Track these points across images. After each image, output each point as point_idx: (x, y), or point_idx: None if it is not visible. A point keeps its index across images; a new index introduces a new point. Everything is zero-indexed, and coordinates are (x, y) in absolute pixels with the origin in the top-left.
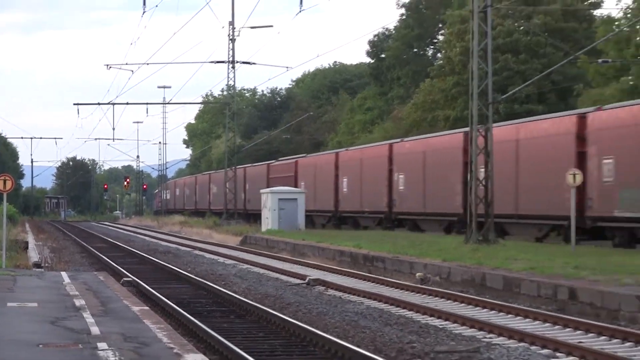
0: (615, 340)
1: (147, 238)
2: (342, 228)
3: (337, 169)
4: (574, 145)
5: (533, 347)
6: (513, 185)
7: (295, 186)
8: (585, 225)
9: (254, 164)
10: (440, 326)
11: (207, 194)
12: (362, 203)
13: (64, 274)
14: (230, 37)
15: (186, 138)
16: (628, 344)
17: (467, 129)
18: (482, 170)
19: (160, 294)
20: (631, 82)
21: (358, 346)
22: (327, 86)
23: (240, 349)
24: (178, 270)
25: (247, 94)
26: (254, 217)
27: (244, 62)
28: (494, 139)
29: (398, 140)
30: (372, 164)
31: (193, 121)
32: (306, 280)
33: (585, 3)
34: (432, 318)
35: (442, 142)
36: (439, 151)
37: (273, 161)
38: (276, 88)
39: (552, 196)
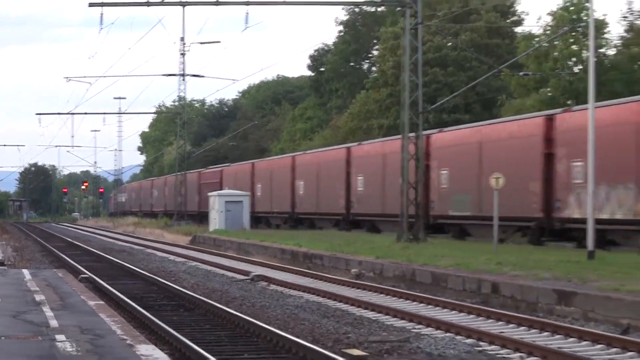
0: (533, 330)
1: (103, 238)
2: (298, 229)
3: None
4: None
5: (458, 337)
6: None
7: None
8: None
9: (190, 171)
10: (374, 318)
11: (161, 196)
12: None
13: (25, 271)
14: (181, 52)
15: (140, 145)
16: (545, 333)
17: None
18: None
19: (115, 290)
20: (549, 94)
21: (297, 337)
22: (271, 97)
23: (189, 339)
24: (132, 267)
25: (196, 105)
26: (194, 217)
27: (193, 75)
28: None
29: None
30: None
31: (147, 129)
32: (250, 276)
33: (508, 21)
34: (366, 311)
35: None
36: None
37: (203, 169)
38: (224, 99)
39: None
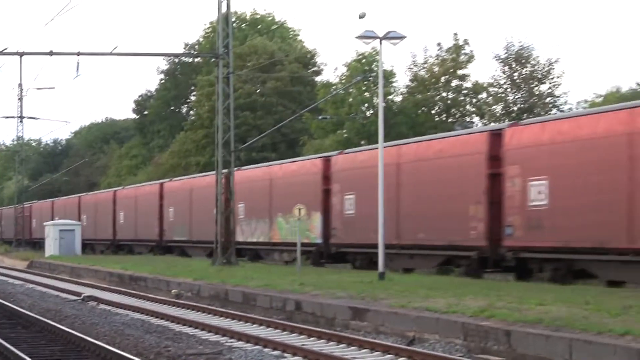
0: (331, 343)
1: None
2: (119, 254)
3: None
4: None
5: (266, 349)
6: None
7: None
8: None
9: (28, 203)
10: (192, 333)
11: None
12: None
13: None
14: (19, 97)
15: None
16: (342, 345)
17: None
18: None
19: None
20: (345, 135)
21: (123, 350)
22: (100, 137)
23: (25, 354)
24: None
25: (33, 143)
26: (34, 244)
27: (30, 117)
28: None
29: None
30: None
31: None
32: (81, 297)
33: (309, 71)
34: (185, 327)
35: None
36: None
37: (30, 202)
38: (58, 138)
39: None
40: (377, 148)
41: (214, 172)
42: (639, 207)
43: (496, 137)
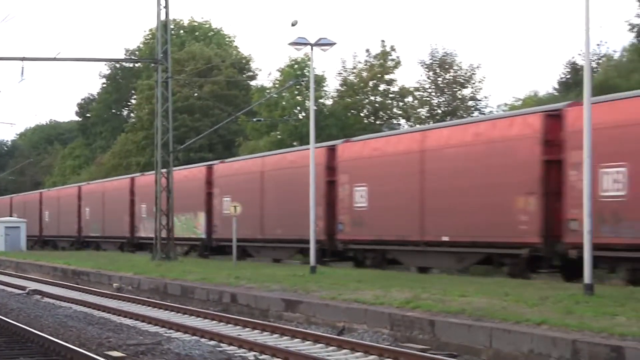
0: (265, 333)
1: None
2: (45, 248)
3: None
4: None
5: (203, 340)
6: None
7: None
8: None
9: None
10: (132, 324)
11: None
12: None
13: None
14: None
15: None
16: (275, 335)
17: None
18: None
19: None
20: (279, 136)
21: (66, 341)
22: (45, 138)
23: None
24: None
25: None
26: None
27: None
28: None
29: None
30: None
31: None
32: (26, 291)
33: (244, 75)
34: (125, 318)
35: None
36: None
37: None
38: (3, 140)
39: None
40: (250, 158)
41: (122, 177)
42: (427, 209)
43: (331, 151)
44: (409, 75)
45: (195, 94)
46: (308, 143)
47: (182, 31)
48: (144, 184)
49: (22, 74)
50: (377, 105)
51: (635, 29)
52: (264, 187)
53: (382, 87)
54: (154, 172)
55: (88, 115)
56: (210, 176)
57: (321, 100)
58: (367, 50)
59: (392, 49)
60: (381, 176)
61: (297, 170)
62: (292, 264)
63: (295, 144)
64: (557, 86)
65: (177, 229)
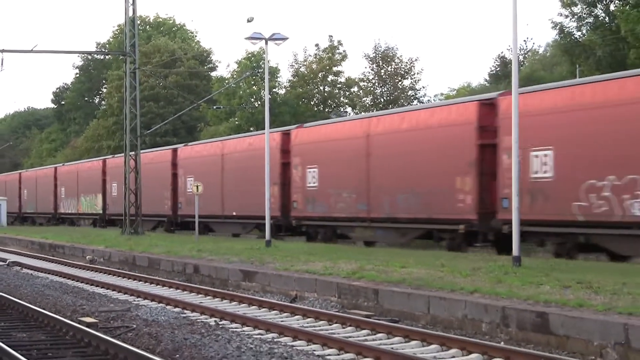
0: (225, 301)
1: None
2: (24, 224)
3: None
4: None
5: (168, 307)
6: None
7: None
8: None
9: None
10: (104, 293)
11: None
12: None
13: None
14: None
15: None
16: (234, 303)
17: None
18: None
19: None
20: (237, 122)
21: (43, 309)
22: (23, 124)
23: None
24: None
25: None
26: None
27: None
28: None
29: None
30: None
31: None
32: (7, 262)
33: (205, 67)
34: (97, 287)
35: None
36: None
37: None
38: None
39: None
40: (211, 141)
41: (95, 159)
42: (373, 187)
43: (286, 135)
44: (355, 67)
45: (161, 84)
46: (263, 129)
47: (148, 26)
48: (114, 165)
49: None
50: (325, 94)
51: (558, 27)
52: (224, 168)
53: (330, 78)
54: (123, 154)
55: (63, 102)
56: (175, 158)
57: (275, 90)
58: (317, 45)
59: (339, 43)
60: (331, 159)
61: (254, 153)
62: (250, 238)
63: (252, 129)
64: (488, 78)
65: (84, 207)
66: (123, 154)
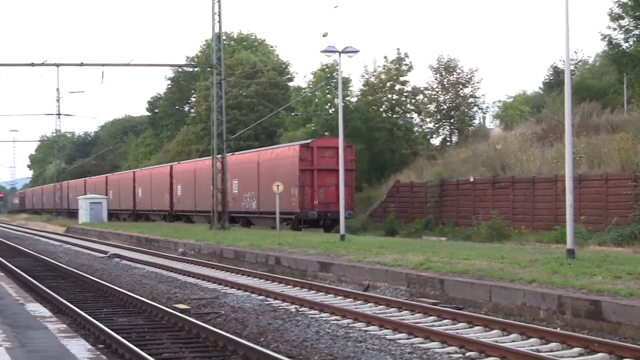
0: (304, 290)
1: (1, 228)
2: (138, 221)
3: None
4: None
5: (253, 295)
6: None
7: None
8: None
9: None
10: (195, 282)
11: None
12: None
13: None
14: (57, 98)
15: (29, 163)
16: (312, 291)
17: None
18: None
19: (11, 264)
20: (313, 128)
21: (141, 296)
22: (121, 130)
23: (64, 299)
24: (23, 249)
25: (68, 135)
26: (71, 214)
27: (66, 114)
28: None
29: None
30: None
31: (34, 152)
32: (108, 254)
33: (284, 78)
34: (189, 277)
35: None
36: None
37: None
38: (87, 131)
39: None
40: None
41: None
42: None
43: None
44: (420, 77)
45: (243, 93)
46: (337, 134)
47: (232, 41)
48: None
49: (102, 77)
50: (393, 102)
51: (606, 39)
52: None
53: (397, 87)
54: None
55: (156, 110)
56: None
57: (347, 98)
58: (385, 57)
59: (406, 55)
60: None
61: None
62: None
63: (327, 134)
64: (542, 86)
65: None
66: (205, 158)
